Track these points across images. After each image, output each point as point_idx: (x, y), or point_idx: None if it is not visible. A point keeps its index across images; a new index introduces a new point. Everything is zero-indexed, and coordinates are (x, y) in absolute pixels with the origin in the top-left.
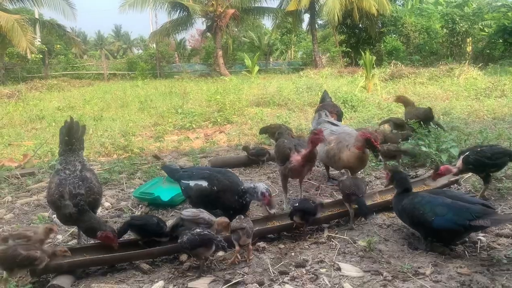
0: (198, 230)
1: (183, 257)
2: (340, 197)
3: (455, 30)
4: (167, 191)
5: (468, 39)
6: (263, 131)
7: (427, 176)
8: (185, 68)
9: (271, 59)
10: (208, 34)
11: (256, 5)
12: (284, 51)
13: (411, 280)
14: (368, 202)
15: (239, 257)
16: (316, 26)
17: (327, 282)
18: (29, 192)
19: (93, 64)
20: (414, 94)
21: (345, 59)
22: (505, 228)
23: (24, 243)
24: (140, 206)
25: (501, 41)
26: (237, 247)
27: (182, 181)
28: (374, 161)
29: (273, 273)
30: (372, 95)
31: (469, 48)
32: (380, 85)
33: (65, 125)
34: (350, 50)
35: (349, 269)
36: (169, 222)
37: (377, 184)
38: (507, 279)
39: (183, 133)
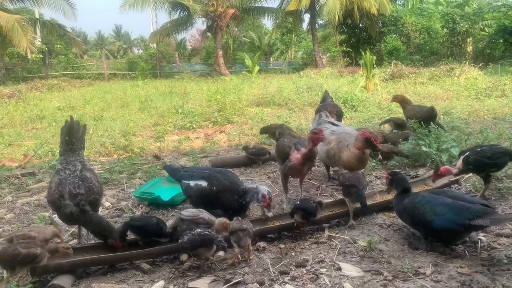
0: (198, 230)
1: (184, 257)
2: (340, 197)
3: (456, 30)
4: (167, 191)
5: (468, 39)
6: (264, 131)
7: (427, 176)
8: (185, 68)
9: (271, 59)
10: (209, 34)
11: (256, 5)
12: (284, 51)
13: (412, 280)
14: (369, 202)
15: (239, 257)
16: (317, 26)
17: (328, 282)
18: (29, 192)
19: (94, 64)
20: (414, 94)
21: (345, 59)
22: (505, 228)
23: (25, 242)
24: (140, 206)
25: (501, 41)
26: (236, 249)
27: (183, 181)
28: (374, 161)
29: (274, 273)
30: (373, 95)
31: (469, 48)
32: (380, 85)
33: (66, 125)
34: (351, 50)
35: (350, 269)
36: (169, 222)
37: (377, 184)
38: (507, 279)
39: (184, 133)
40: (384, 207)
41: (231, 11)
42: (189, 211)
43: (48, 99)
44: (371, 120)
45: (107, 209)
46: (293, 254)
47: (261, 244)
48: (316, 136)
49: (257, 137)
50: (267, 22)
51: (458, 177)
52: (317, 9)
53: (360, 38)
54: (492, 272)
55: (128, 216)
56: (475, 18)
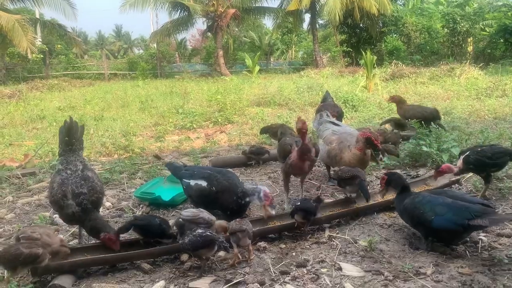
0: (199, 231)
1: (184, 257)
2: (341, 197)
3: (456, 30)
4: (168, 191)
5: (469, 39)
6: (264, 131)
7: (428, 176)
8: (185, 68)
9: (271, 59)
10: (209, 34)
11: (256, 5)
12: (284, 51)
13: (412, 280)
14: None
15: (239, 257)
16: (317, 26)
17: (328, 282)
18: (30, 192)
19: (94, 64)
20: (415, 94)
21: (346, 59)
22: (506, 228)
23: (27, 242)
24: (141, 206)
25: (502, 40)
26: (235, 250)
27: (184, 179)
28: (374, 163)
29: (274, 273)
30: (373, 95)
31: (470, 48)
32: (381, 85)
33: (65, 125)
34: (351, 50)
35: (350, 269)
36: (170, 222)
37: (377, 184)
38: (508, 279)
39: (184, 133)
40: (384, 207)
41: (232, 11)
42: (189, 211)
43: (49, 99)
44: (372, 120)
45: (108, 209)
46: (293, 254)
47: (262, 244)
48: (301, 126)
49: (257, 137)
50: (268, 22)
51: (458, 177)
52: (317, 9)
53: (361, 38)
54: (493, 272)
55: (129, 216)
56: (475, 18)
